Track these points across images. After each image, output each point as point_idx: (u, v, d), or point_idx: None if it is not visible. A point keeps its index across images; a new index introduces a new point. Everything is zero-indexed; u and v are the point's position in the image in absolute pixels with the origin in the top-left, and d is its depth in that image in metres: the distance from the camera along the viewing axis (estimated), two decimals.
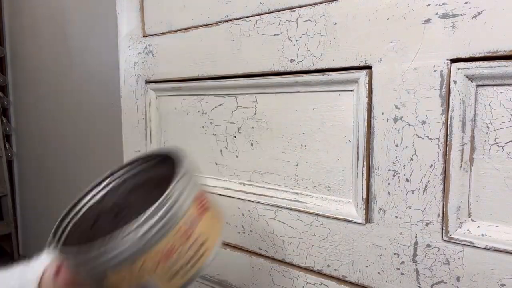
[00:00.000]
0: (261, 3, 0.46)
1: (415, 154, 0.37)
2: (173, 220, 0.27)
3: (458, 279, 0.36)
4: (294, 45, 0.44)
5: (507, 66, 0.32)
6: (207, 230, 0.29)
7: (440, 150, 0.36)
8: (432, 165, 0.36)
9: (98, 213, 0.32)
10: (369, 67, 0.39)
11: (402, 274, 0.39)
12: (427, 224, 0.37)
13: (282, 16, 0.44)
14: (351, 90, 0.41)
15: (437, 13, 0.35)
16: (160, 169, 0.35)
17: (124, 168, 0.35)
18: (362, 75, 0.39)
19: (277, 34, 0.45)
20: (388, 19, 0.37)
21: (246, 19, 0.48)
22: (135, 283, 0.26)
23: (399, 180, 0.38)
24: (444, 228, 0.36)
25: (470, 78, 0.34)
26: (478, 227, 0.35)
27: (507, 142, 0.33)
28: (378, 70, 0.39)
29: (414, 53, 0.36)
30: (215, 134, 0.53)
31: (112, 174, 0.35)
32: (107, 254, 0.25)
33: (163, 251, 0.26)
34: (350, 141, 0.41)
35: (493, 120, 0.33)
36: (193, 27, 0.54)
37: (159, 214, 0.26)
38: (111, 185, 0.34)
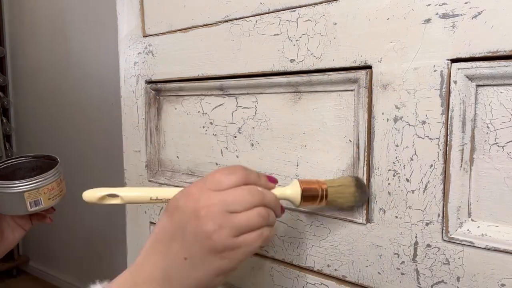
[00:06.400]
0: (261, 3, 0.46)
1: (415, 154, 0.37)
2: (55, 177, 0.57)
3: (458, 279, 0.36)
4: (294, 45, 0.44)
5: (507, 66, 0.32)
6: (62, 190, 0.60)
7: (440, 150, 0.36)
8: (432, 165, 0.36)
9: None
10: (369, 67, 0.39)
11: (402, 274, 0.39)
12: (427, 224, 0.37)
13: (282, 16, 0.44)
14: (352, 90, 0.41)
15: (437, 13, 0.35)
16: (37, 162, 0.63)
17: (16, 158, 0.64)
18: (362, 75, 0.39)
19: (277, 34, 0.45)
20: (388, 19, 0.38)
21: (246, 19, 0.48)
22: (35, 198, 0.55)
23: (399, 180, 0.38)
24: (444, 228, 0.36)
25: (470, 78, 0.34)
26: (478, 227, 0.35)
27: (507, 142, 0.33)
28: (378, 70, 0.39)
29: (414, 53, 0.36)
30: (215, 134, 0.53)
31: (9, 159, 0.63)
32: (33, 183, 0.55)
33: (48, 187, 0.56)
34: (350, 141, 0.41)
35: (493, 120, 0.33)
36: (193, 27, 0.54)
37: (52, 173, 0.57)
38: (7, 164, 0.62)
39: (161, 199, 0.37)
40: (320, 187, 0.39)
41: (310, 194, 0.38)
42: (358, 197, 0.39)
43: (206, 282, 0.33)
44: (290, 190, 0.38)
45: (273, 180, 0.38)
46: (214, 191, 0.34)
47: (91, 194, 0.38)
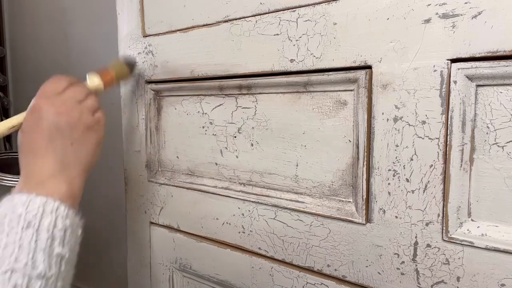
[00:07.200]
0: (261, 3, 0.46)
1: (415, 154, 0.37)
2: None
3: (458, 279, 0.36)
4: (294, 45, 0.44)
5: (507, 66, 0.32)
6: None
7: (440, 150, 0.36)
8: (432, 165, 0.36)
9: None
10: (369, 67, 0.39)
11: (402, 274, 0.39)
12: (427, 224, 0.37)
13: (282, 16, 0.44)
14: (351, 90, 0.41)
15: (437, 13, 0.35)
16: None
17: (11, 152, 0.64)
18: (362, 75, 0.39)
19: (277, 34, 0.45)
20: (388, 19, 0.38)
21: (246, 19, 0.48)
22: None
23: (399, 180, 0.38)
24: (444, 228, 0.36)
25: (470, 78, 0.34)
26: (478, 227, 0.35)
27: (507, 142, 0.33)
28: (378, 70, 0.39)
29: (414, 53, 0.36)
30: (215, 135, 0.53)
31: (12, 152, 0.62)
32: None
33: None
34: (350, 141, 0.41)
35: (493, 120, 0.33)
36: (193, 27, 0.54)
37: None
38: (8, 156, 0.61)
39: (17, 124, 0.44)
40: (109, 74, 0.53)
41: (106, 81, 0.52)
42: (129, 70, 0.58)
43: (91, 155, 0.45)
44: (96, 82, 0.51)
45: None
46: (57, 94, 0.44)
47: None
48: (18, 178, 0.55)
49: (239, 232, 0.52)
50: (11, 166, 0.62)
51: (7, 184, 0.54)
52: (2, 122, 0.44)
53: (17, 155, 0.63)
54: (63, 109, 0.43)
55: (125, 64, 0.57)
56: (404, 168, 0.38)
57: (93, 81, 0.50)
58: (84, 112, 0.44)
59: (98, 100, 0.48)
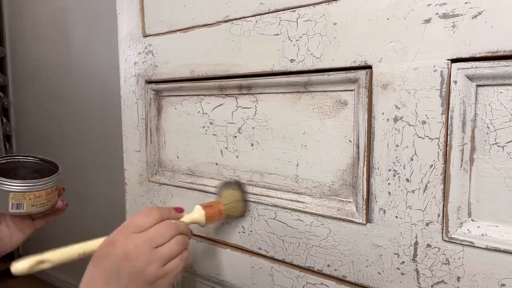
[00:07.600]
0: (261, 3, 0.46)
1: (415, 154, 0.37)
2: (45, 186, 0.53)
3: (458, 279, 0.36)
4: (294, 45, 0.44)
5: (507, 66, 0.32)
6: (50, 201, 0.54)
7: (440, 150, 0.36)
8: (432, 165, 0.36)
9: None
10: (369, 67, 0.39)
11: (402, 274, 0.39)
12: (427, 224, 0.37)
13: (282, 16, 0.44)
14: (351, 90, 0.41)
15: (437, 13, 0.35)
16: (42, 165, 0.61)
17: (25, 156, 0.62)
18: (362, 75, 0.39)
19: (277, 34, 0.45)
20: (388, 19, 0.38)
21: (246, 19, 0.48)
22: (18, 201, 0.52)
23: (399, 180, 0.38)
24: (444, 228, 0.36)
25: (470, 78, 0.34)
26: (478, 227, 0.35)
27: (507, 142, 0.33)
28: (378, 70, 0.39)
29: (414, 53, 0.36)
30: (215, 135, 0.53)
31: (17, 155, 0.61)
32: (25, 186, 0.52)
33: (35, 194, 0.52)
34: (350, 141, 0.41)
35: (493, 120, 0.33)
36: (193, 27, 0.54)
37: (43, 182, 0.53)
38: (13, 159, 0.60)
39: (89, 252, 0.41)
40: (218, 207, 0.48)
41: (211, 215, 0.47)
42: (244, 208, 0.50)
43: None
44: (196, 215, 0.47)
45: (180, 210, 0.46)
46: (138, 233, 0.40)
47: (21, 266, 0.39)
48: (18, 182, 0.54)
49: (239, 232, 0.52)
50: (16, 169, 0.62)
51: (5, 189, 0.53)
52: (73, 246, 0.41)
53: (20, 159, 0.63)
54: (133, 254, 0.38)
55: (242, 199, 0.50)
56: (404, 168, 0.38)
57: (198, 214, 0.47)
58: (153, 263, 0.39)
59: (187, 239, 0.44)
